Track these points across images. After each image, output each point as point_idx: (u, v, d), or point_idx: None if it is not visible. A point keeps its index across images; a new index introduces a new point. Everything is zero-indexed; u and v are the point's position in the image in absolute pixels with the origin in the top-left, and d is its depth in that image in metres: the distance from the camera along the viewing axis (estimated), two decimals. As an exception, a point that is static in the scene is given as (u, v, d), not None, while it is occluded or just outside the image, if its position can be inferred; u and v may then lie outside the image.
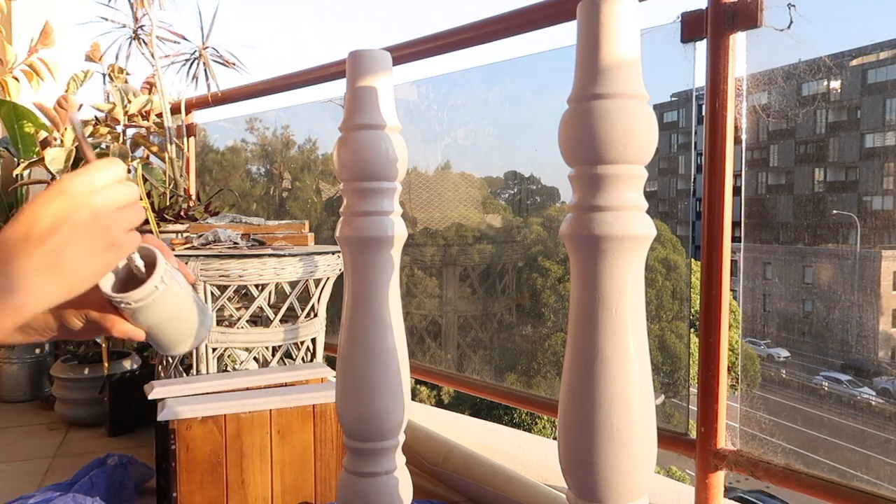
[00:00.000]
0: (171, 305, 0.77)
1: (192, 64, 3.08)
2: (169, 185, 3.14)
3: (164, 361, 2.24)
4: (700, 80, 1.40)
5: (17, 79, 3.34)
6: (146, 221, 2.76)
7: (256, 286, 2.16)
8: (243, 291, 2.48)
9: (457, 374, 2.59)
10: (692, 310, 1.75)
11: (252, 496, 1.66)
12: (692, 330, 1.72)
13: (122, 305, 0.74)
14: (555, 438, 1.14)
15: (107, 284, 0.74)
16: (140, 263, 0.75)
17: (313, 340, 2.30)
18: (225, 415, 1.64)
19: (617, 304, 0.82)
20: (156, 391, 1.72)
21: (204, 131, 3.77)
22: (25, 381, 3.19)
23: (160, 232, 2.70)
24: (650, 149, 0.82)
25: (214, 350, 2.11)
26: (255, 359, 2.27)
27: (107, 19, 3.16)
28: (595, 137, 0.79)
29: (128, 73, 3.39)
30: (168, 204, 3.05)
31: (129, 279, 0.76)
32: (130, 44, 3.16)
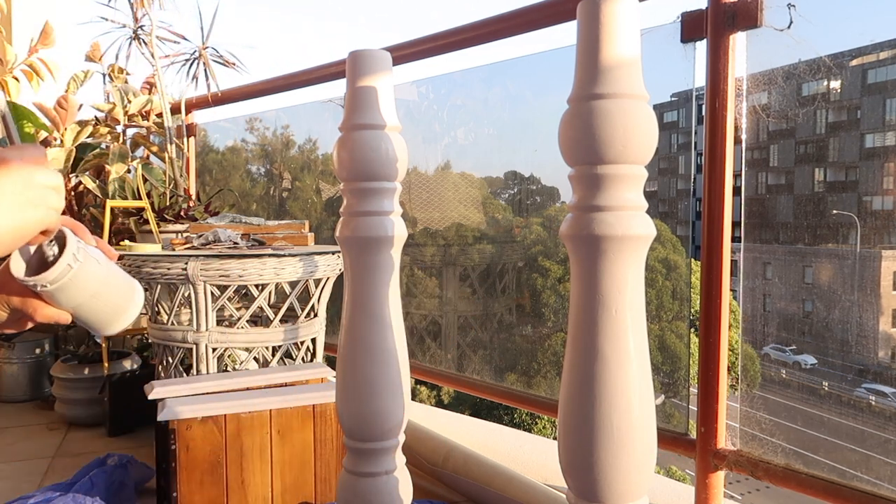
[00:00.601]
0: (91, 284, 0.75)
1: (192, 64, 3.08)
2: (169, 185, 3.14)
3: (164, 361, 2.24)
4: (700, 80, 1.40)
5: (17, 79, 3.34)
6: (146, 221, 2.76)
7: (256, 286, 2.16)
8: (243, 291, 2.48)
9: (457, 374, 2.59)
10: (692, 310, 1.75)
11: (252, 496, 1.66)
12: (692, 330, 1.72)
13: (39, 288, 0.73)
14: (555, 438, 1.14)
15: (19, 269, 0.73)
16: (53, 248, 0.74)
17: (313, 340, 2.30)
18: (225, 415, 1.64)
19: (617, 304, 0.82)
20: (156, 391, 1.72)
21: (204, 131, 3.78)
22: (25, 381, 3.19)
23: (160, 232, 2.70)
24: (650, 149, 0.82)
25: (214, 350, 2.11)
26: (255, 359, 2.27)
27: (107, 19, 3.16)
28: (595, 137, 0.79)
29: (128, 73, 3.39)
30: (168, 204, 3.05)
31: (44, 264, 0.74)
32: (130, 44, 3.17)
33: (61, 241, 0.75)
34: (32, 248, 0.75)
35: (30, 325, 0.82)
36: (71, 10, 3.70)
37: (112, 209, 2.75)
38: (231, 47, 3.17)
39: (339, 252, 2.22)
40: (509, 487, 1.74)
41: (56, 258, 0.74)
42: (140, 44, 3.16)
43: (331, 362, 2.11)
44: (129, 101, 3.16)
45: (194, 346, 2.10)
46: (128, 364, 2.81)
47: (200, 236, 2.25)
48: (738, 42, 1.34)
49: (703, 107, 1.37)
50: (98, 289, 0.76)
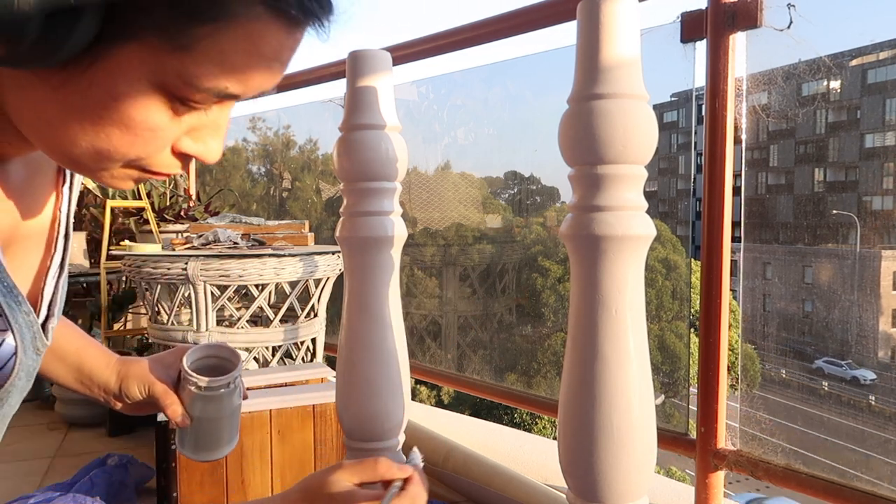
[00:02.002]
0: (225, 409, 0.84)
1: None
2: (169, 185, 3.14)
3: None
4: (700, 80, 1.40)
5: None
6: (146, 221, 2.77)
7: (256, 286, 2.16)
8: (243, 291, 2.48)
9: (457, 374, 2.59)
10: (692, 310, 1.75)
11: (252, 496, 1.66)
12: (692, 330, 1.72)
13: (191, 387, 0.81)
14: (555, 438, 1.14)
15: (191, 358, 0.82)
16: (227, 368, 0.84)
17: (313, 340, 2.30)
18: (225, 415, 1.64)
19: (617, 304, 0.82)
20: (156, 391, 1.71)
21: (204, 131, 3.78)
22: (25, 381, 3.19)
23: (160, 232, 2.70)
24: (650, 149, 0.82)
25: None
26: (255, 359, 2.27)
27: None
28: (595, 137, 0.79)
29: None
30: (168, 204, 3.05)
31: (209, 371, 0.83)
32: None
33: (230, 361, 0.84)
34: (209, 353, 0.85)
35: (148, 413, 0.90)
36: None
37: (112, 209, 2.75)
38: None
39: (339, 252, 2.22)
40: (509, 487, 1.74)
41: (224, 372, 0.83)
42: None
43: (331, 362, 2.11)
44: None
45: (194, 346, 2.10)
46: (128, 364, 2.81)
47: (200, 236, 2.25)
48: (738, 42, 1.34)
49: (703, 107, 1.37)
50: (225, 417, 0.84)
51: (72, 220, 0.70)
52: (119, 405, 0.88)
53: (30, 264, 0.64)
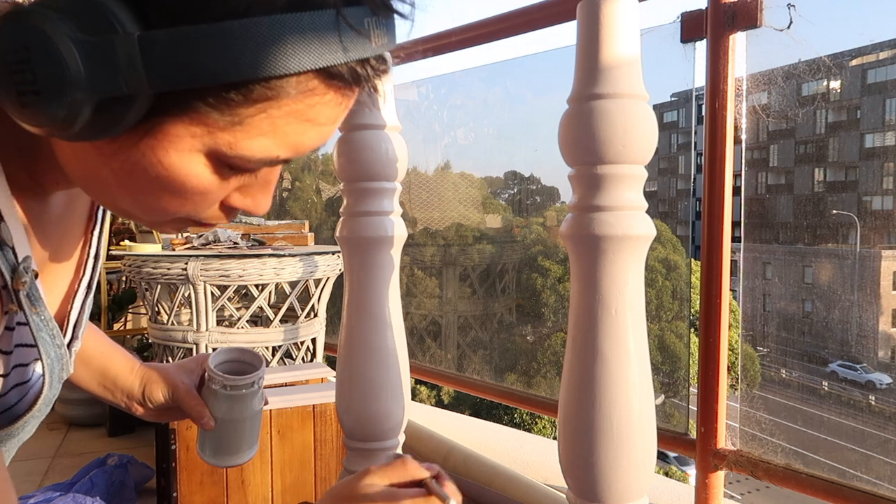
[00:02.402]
0: (247, 411, 0.84)
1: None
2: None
3: (164, 361, 2.24)
4: (700, 80, 1.40)
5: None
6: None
7: (256, 286, 2.16)
8: (243, 291, 2.48)
9: (457, 374, 2.59)
10: (692, 310, 1.75)
11: (252, 496, 1.66)
12: (692, 330, 1.72)
13: (215, 386, 0.82)
14: (555, 438, 1.14)
15: (215, 360, 0.83)
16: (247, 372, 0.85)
17: (313, 340, 2.30)
18: (225, 415, 1.64)
19: (617, 304, 0.82)
20: (156, 391, 1.71)
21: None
22: (25, 381, 3.19)
23: (160, 232, 2.70)
24: (650, 149, 0.82)
25: (214, 350, 2.11)
26: (255, 359, 2.27)
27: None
28: (595, 137, 0.79)
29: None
30: (168, 204, 3.04)
31: (232, 373, 0.84)
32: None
33: (254, 363, 0.85)
34: (232, 357, 0.86)
35: (170, 419, 0.91)
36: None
37: (112, 209, 2.74)
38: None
39: (339, 252, 2.22)
40: (509, 487, 1.74)
41: (250, 371, 0.84)
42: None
43: (331, 362, 2.11)
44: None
45: (194, 346, 2.10)
46: (128, 364, 2.81)
47: (200, 236, 2.25)
48: (738, 42, 1.33)
49: (703, 107, 1.37)
50: (246, 419, 0.85)
51: (103, 241, 0.71)
52: (141, 411, 0.88)
53: (60, 287, 0.65)
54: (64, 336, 0.64)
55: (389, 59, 0.49)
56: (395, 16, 0.47)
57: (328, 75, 0.45)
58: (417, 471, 0.70)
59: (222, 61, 0.41)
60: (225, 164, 0.48)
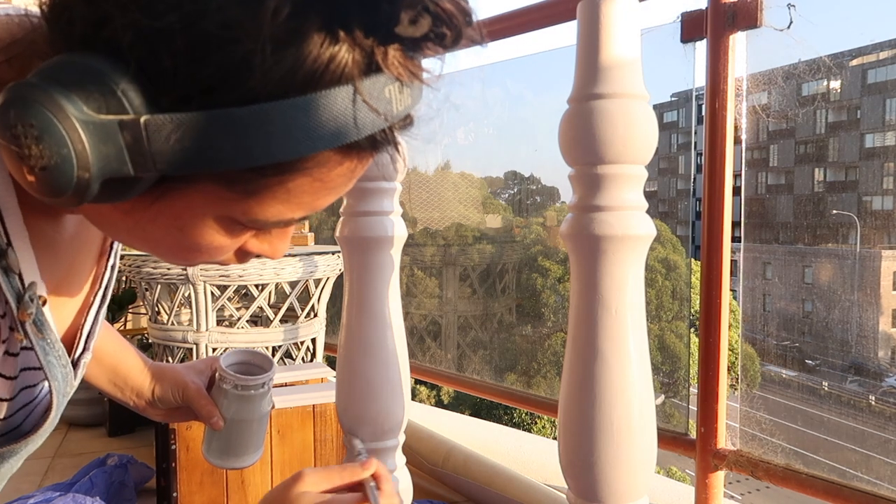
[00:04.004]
0: (256, 412, 0.85)
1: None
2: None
3: (164, 361, 2.24)
4: (700, 80, 1.39)
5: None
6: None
7: (256, 286, 2.16)
8: (243, 291, 2.48)
9: (457, 374, 2.59)
10: (692, 310, 1.75)
11: (252, 496, 1.66)
12: (692, 330, 1.72)
13: (225, 385, 0.83)
14: (555, 438, 1.14)
15: (226, 361, 0.84)
16: (258, 361, 0.86)
17: (313, 340, 2.30)
18: (225, 415, 1.64)
19: (617, 304, 0.82)
20: (156, 391, 1.71)
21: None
22: (25, 381, 3.19)
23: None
24: (650, 149, 0.82)
25: (214, 350, 2.11)
26: (255, 359, 2.27)
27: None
28: (595, 137, 0.79)
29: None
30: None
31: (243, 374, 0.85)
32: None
33: (264, 364, 0.86)
34: (242, 360, 0.87)
35: (179, 420, 0.92)
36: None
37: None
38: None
39: (339, 252, 2.22)
40: (509, 487, 1.74)
41: (259, 373, 0.84)
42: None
43: (331, 362, 2.11)
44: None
45: (194, 346, 2.10)
46: (128, 364, 2.81)
47: (200, 236, 2.25)
48: (738, 42, 1.33)
49: (703, 107, 1.37)
50: (254, 420, 0.86)
51: (118, 252, 0.71)
52: (151, 411, 0.88)
53: (76, 301, 0.65)
54: (77, 347, 0.64)
55: (414, 113, 0.48)
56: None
57: (345, 148, 0.44)
58: (355, 473, 0.69)
59: (232, 148, 0.40)
60: (238, 224, 0.48)
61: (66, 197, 0.41)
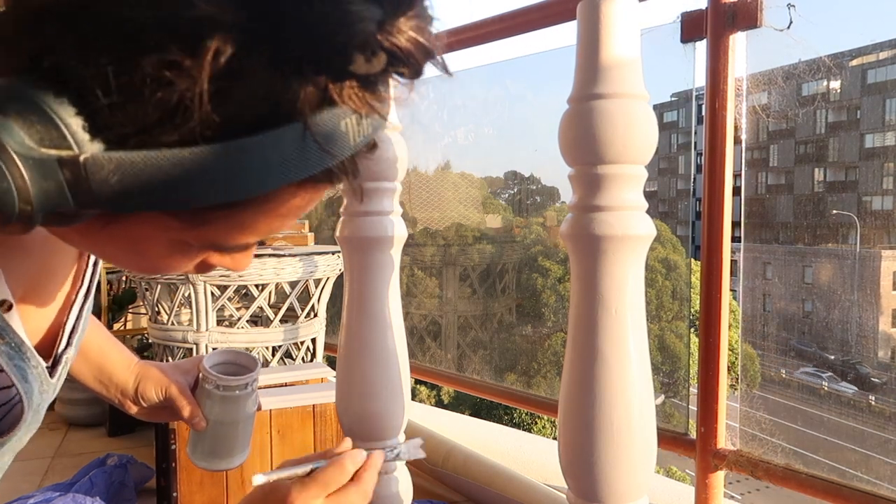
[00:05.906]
0: (241, 413, 0.84)
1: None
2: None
3: (164, 361, 2.24)
4: (700, 80, 1.39)
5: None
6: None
7: (256, 286, 2.16)
8: (243, 291, 2.48)
9: (457, 374, 2.59)
10: (692, 310, 1.75)
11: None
12: (692, 330, 1.72)
13: (209, 386, 0.82)
14: (555, 438, 1.14)
15: (210, 361, 0.83)
16: (243, 361, 0.86)
17: (313, 340, 2.30)
18: (225, 415, 1.64)
19: (617, 304, 0.82)
20: (156, 391, 1.71)
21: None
22: (25, 381, 3.18)
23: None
24: (650, 149, 0.82)
25: (214, 350, 2.11)
26: (255, 359, 2.27)
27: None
28: (595, 137, 0.79)
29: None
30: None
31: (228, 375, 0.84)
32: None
33: (249, 365, 0.86)
34: (228, 360, 0.87)
35: (162, 420, 0.91)
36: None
37: (112, 209, 2.75)
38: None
39: (339, 252, 2.22)
40: (509, 487, 1.74)
41: (243, 374, 0.84)
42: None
43: (331, 362, 2.11)
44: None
45: (194, 346, 2.10)
46: (128, 364, 2.81)
47: (200, 236, 2.25)
48: (738, 42, 1.33)
49: (703, 107, 1.37)
50: (239, 421, 0.85)
51: None
52: (134, 409, 0.87)
53: (56, 299, 0.64)
54: (59, 345, 0.64)
55: (378, 138, 0.47)
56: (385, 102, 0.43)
57: (299, 181, 0.42)
58: (354, 465, 0.68)
59: (172, 190, 0.39)
60: (193, 247, 0.47)
61: (11, 226, 0.40)
